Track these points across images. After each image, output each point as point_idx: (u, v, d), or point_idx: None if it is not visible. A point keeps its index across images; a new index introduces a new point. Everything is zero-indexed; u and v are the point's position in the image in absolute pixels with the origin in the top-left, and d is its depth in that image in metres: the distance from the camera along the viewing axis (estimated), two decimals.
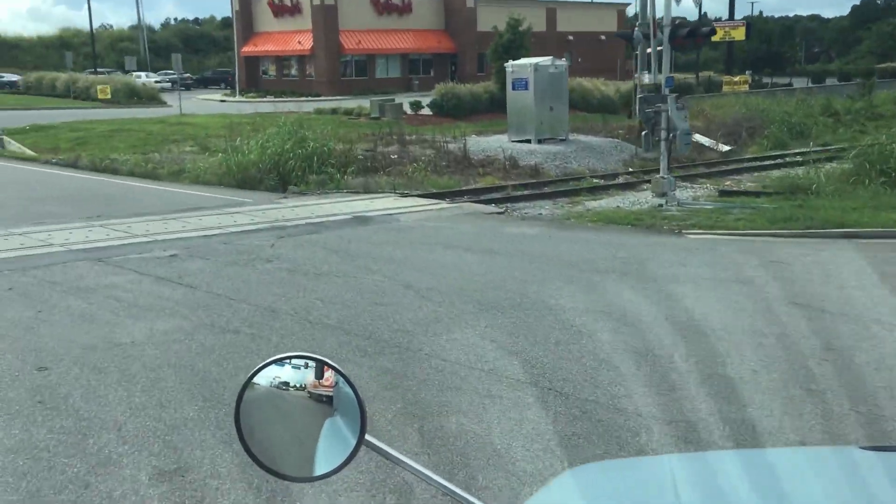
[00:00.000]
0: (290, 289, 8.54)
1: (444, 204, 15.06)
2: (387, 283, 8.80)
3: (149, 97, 44.65)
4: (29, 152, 24.61)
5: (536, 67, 24.43)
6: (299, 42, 55.99)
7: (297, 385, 1.62)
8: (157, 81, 58.20)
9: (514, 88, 25.04)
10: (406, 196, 15.98)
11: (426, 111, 35.04)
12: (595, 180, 18.84)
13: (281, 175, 18.59)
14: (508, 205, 15.46)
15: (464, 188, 17.56)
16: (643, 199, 15.71)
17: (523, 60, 25.55)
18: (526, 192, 16.82)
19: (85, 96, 44.50)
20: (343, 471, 1.61)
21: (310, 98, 52.43)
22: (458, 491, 1.57)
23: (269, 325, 7.19)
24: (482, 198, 16.26)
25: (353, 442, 1.59)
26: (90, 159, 21.11)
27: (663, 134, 14.66)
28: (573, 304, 7.84)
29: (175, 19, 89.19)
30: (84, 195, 16.29)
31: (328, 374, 1.63)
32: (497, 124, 30.91)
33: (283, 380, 1.63)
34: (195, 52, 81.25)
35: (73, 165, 20.59)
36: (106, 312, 7.67)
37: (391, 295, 8.25)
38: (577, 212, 14.52)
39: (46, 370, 6.07)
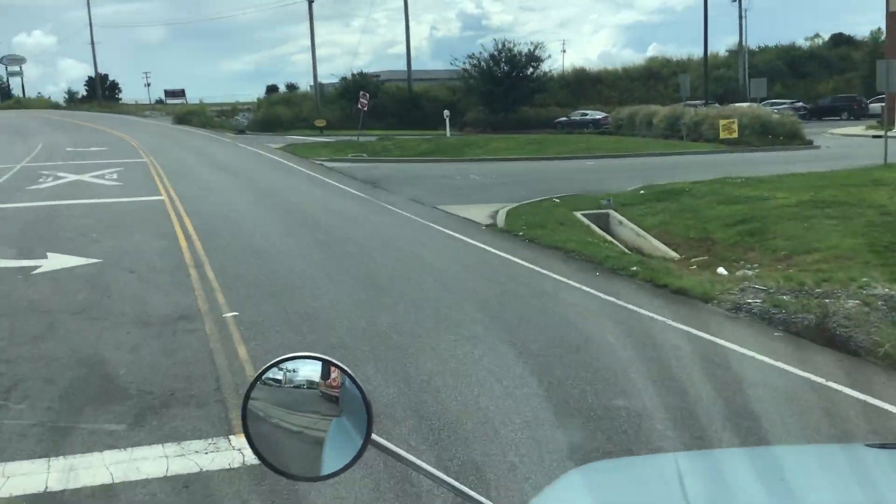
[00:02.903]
0: None
1: None
2: None
3: (788, 135, 31.07)
4: (660, 248, 12.72)
5: None
6: None
7: (304, 385, 1.60)
8: None
9: None
10: None
11: None
12: None
13: None
14: None
15: None
16: None
17: None
18: None
19: (695, 135, 32.77)
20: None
21: None
22: (465, 490, 1.57)
23: None
24: None
25: (360, 441, 1.56)
26: (807, 301, 8.11)
27: None
28: None
29: (763, 45, 74.34)
30: None
31: (334, 373, 1.60)
32: None
33: (290, 379, 1.60)
34: (800, 76, 66.91)
35: (815, 336, 7.57)
36: None
37: None
38: None
39: None
